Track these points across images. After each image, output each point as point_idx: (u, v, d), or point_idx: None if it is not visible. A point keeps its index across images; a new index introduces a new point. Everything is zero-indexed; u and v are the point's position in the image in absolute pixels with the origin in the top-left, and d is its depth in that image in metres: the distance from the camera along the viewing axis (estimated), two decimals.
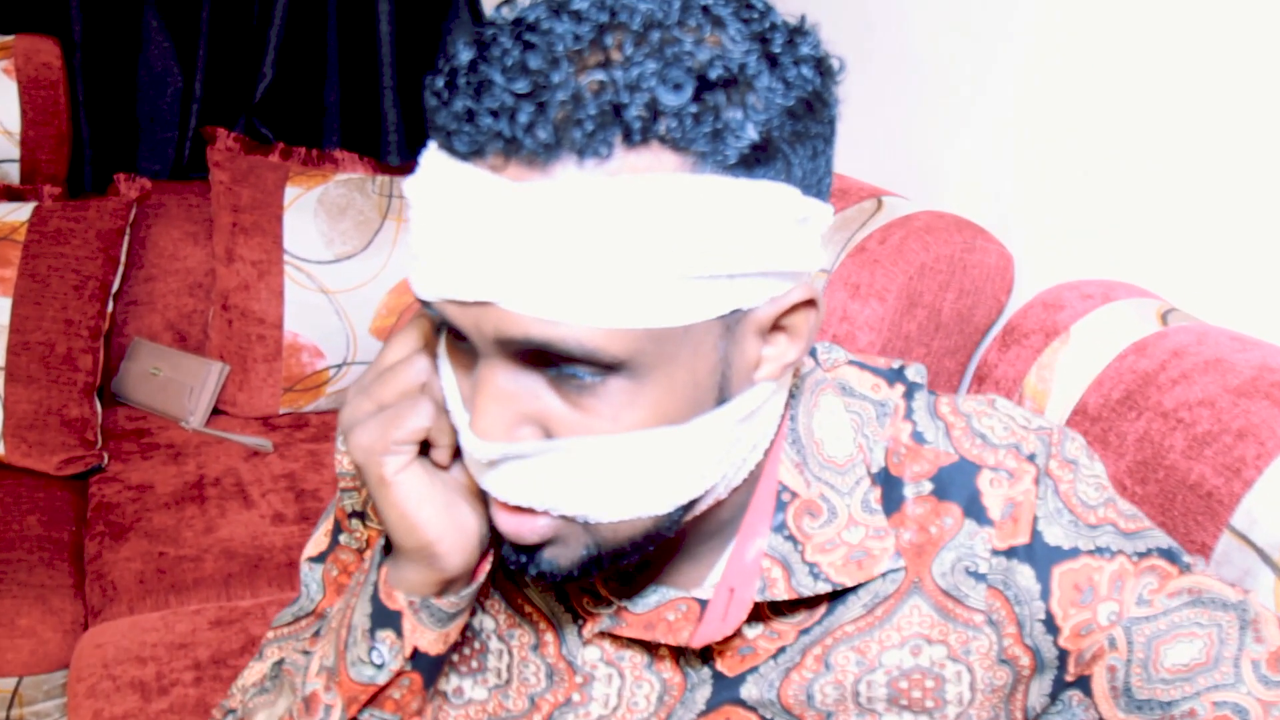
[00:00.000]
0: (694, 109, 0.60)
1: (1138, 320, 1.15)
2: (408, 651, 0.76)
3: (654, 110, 0.60)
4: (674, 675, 0.82)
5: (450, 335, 0.70)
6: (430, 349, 0.73)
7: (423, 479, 0.72)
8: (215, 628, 1.73)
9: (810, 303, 0.70)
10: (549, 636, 0.84)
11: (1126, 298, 1.19)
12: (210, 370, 2.28)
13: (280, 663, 0.90)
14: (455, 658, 0.87)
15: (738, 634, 0.80)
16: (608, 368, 0.64)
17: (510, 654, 0.86)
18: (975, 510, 0.77)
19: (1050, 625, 0.76)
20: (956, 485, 0.78)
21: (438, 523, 0.72)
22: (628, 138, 0.60)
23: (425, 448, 0.73)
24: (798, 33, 0.66)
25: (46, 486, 2.08)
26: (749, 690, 0.80)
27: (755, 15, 0.65)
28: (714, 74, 0.61)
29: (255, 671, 0.94)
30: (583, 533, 0.70)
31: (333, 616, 0.81)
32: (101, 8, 2.38)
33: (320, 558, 0.95)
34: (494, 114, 0.60)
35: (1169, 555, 0.77)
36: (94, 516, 2.00)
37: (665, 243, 0.61)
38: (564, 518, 0.69)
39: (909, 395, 0.82)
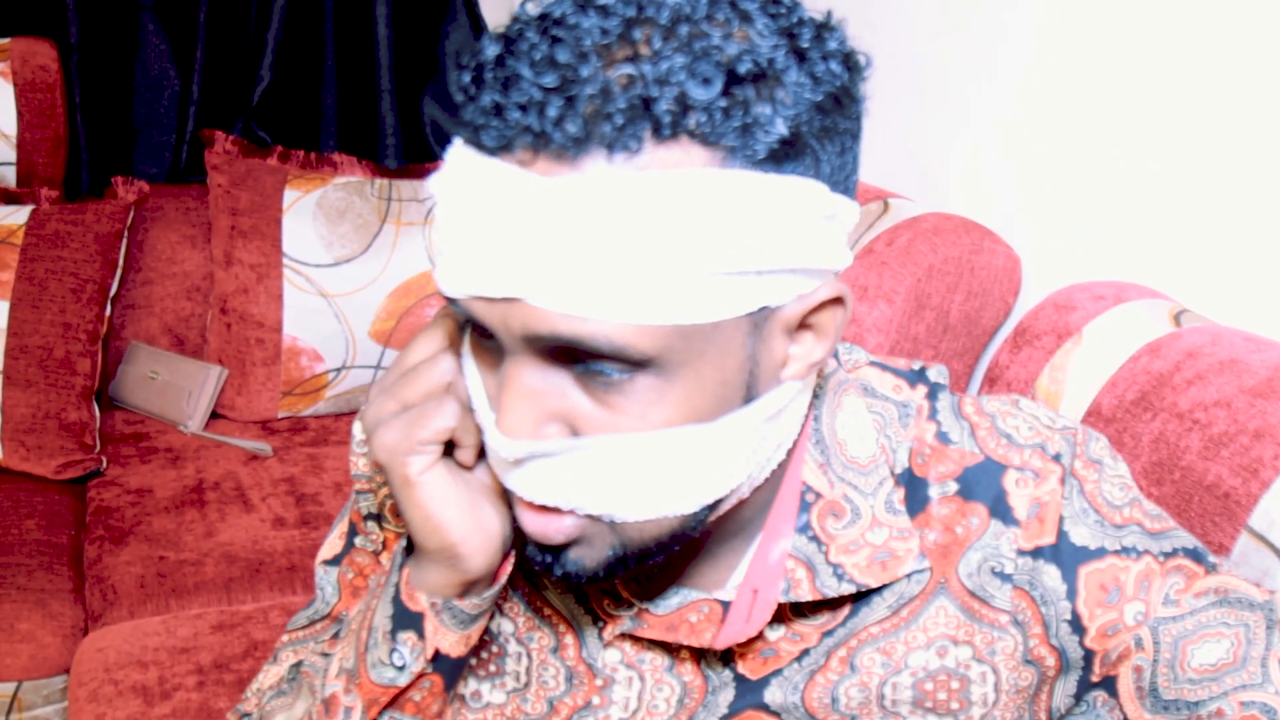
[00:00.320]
0: (723, 103, 0.60)
1: (1151, 321, 1.15)
2: (429, 653, 0.75)
3: (683, 104, 0.59)
4: (695, 678, 0.82)
5: (476, 333, 0.69)
6: (455, 348, 0.72)
7: (447, 479, 0.71)
8: (217, 632, 1.71)
9: (838, 300, 0.69)
10: (569, 639, 0.84)
11: (1138, 299, 1.19)
12: (209, 374, 2.27)
13: (298, 665, 0.90)
14: (473, 661, 0.86)
15: (760, 636, 0.80)
16: (636, 365, 0.63)
17: (529, 657, 0.85)
18: (1001, 510, 0.76)
19: (1076, 625, 0.75)
20: (982, 485, 0.77)
21: (461, 524, 0.72)
22: (657, 132, 0.59)
23: (449, 448, 0.72)
24: (825, 28, 0.66)
25: (45, 490, 2.07)
26: (773, 694, 0.80)
27: (783, 11, 0.65)
28: (743, 69, 0.61)
29: (271, 674, 0.93)
30: (609, 532, 0.69)
31: (352, 618, 0.81)
32: (98, 11, 2.37)
33: (335, 560, 0.94)
34: (522, 108, 0.60)
35: (1195, 555, 0.77)
36: (93, 521, 1.99)
37: (695, 238, 0.60)
38: (590, 517, 0.68)
39: (932, 396, 0.81)
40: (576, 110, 0.59)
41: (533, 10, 0.65)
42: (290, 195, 2.31)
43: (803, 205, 0.64)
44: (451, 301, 0.66)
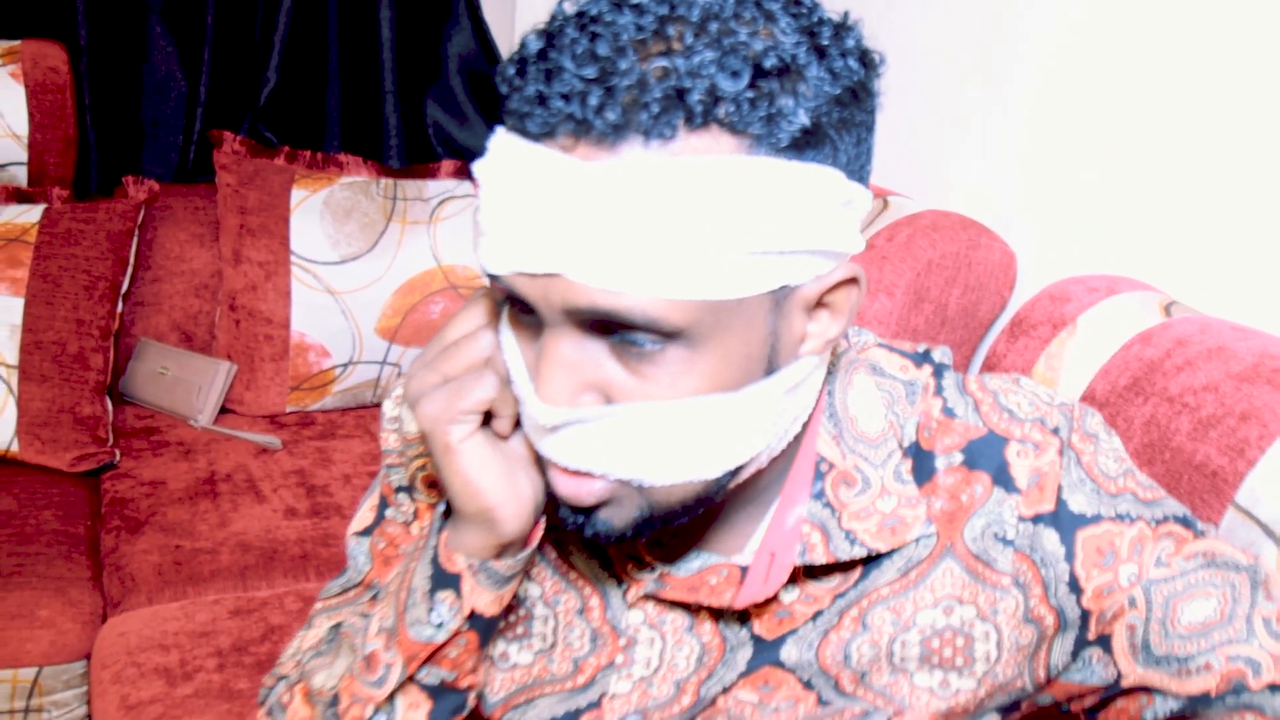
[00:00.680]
0: (750, 95, 0.65)
1: (1142, 312, 1.20)
2: (466, 611, 0.80)
3: (714, 95, 0.64)
4: (714, 638, 0.86)
5: (516, 308, 0.74)
6: (492, 325, 0.77)
7: (485, 447, 0.76)
8: (235, 617, 1.76)
9: (852, 281, 0.74)
10: (594, 601, 0.88)
11: (1130, 291, 1.25)
12: (218, 369, 2.31)
13: (337, 626, 0.94)
14: (501, 624, 0.91)
15: (775, 599, 0.84)
16: (667, 336, 0.68)
17: (555, 619, 0.90)
18: (1004, 479, 0.82)
19: (1074, 586, 0.80)
20: (985, 456, 0.82)
21: (498, 488, 0.76)
22: (689, 120, 0.64)
23: (487, 419, 0.77)
24: (843, 28, 0.71)
25: (60, 483, 2.11)
26: (788, 652, 0.85)
27: (804, 10, 0.70)
28: (768, 63, 0.66)
29: (310, 637, 0.97)
30: (637, 495, 0.74)
31: (391, 580, 0.85)
32: (107, 13, 2.41)
33: (366, 532, 0.99)
34: (565, 97, 0.65)
35: (1185, 522, 0.82)
36: (109, 511, 2.03)
37: (723, 219, 0.65)
38: (619, 481, 0.73)
39: (938, 374, 0.86)
40: (615, 100, 0.64)
41: (570, 9, 0.70)
42: (297, 194, 2.35)
43: (822, 191, 0.69)
44: (494, 278, 0.71)
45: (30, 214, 2.19)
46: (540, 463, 0.78)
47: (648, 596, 0.86)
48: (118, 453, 2.19)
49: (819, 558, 0.82)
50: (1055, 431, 0.82)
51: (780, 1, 0.69)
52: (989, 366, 1.29)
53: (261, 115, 2.51)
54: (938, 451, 0.83)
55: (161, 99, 2.53)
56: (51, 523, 1.99)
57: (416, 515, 0.96)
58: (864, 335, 0.90)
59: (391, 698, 0.83)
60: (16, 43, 2.32)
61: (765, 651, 0.85)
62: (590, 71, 0.65)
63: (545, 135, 0.66)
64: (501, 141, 0.70)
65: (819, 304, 0.75)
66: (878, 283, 1.46)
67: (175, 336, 2.43)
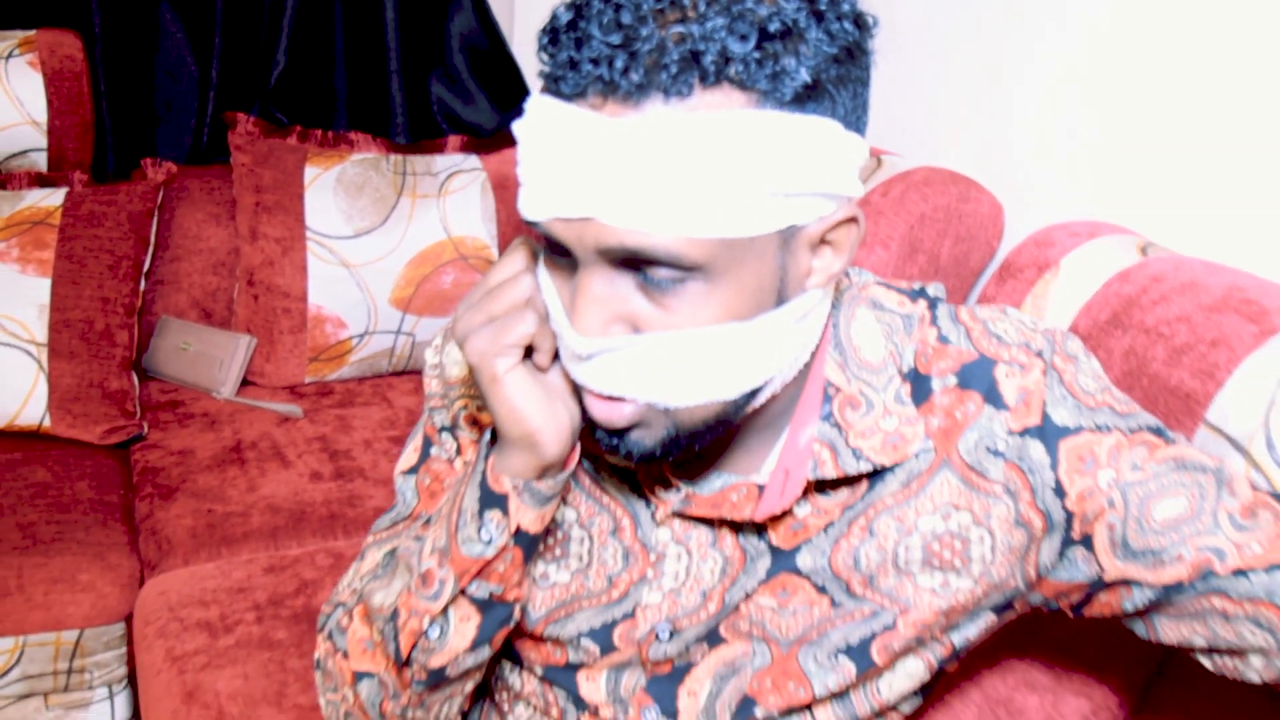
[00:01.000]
0: (757, 55, 0.74)
1: (1120, 253, 1.29)
2: (512, 528, 0.89)
3: (725, 56, 0.73)
4: (735, 551, 0.95)
5: (552, 252, 0.83)
6: (531, 269, 0.86)
7: (526, 378, 0.85)
8: (269, 574, 1.85)
9: (852, 220, 0.83)
10: (625, 522, 0.97)
11: (1110, 234, 1.33)
12: (239, 343, 2.40)
13: (393, 551, 1.03)
14: (541, 547, 0.99)
15: (789, 513, 0.93)
16: (688, 270, 0.77)
17: (591, 539, 0.99)
18: (994, 397, 0.90)
19: (1059, 491, 0.89)
20: (977, 377, 0.91)
21: (539, 415, 0.85)
22: (704, 79, 0.73)
23: (528, 353, 0.86)
24: None
25: (92, 455, 2.19)
26: (803, 559, 0.94)
27: None
28: (772, 27, 0.74)
29: (367, 562, 1.06)
30: (664, 417, 0.83)
31: (442, 504, 0.94)
32: (119, 2, 2.48)
33: (413, 470, 1.08)
34: (594, 62, 0.74)
35: (1156, 431, 0.91)
36: (141, 480, 2.12)
37: (735, 166, 0.74)
38: (648, 404, 0.82)
39: (933, 307, 0.95)
40: (638, 62, 0.73)
41: None
42: (311, 172, 2.43)
43: (822, 140, 0.77)
44: (532, 224, 0.80)
45: (53, 197, 2.27)
46: (576, 392, 0.86)
47: (675, 514, 0.95)
48: (145, 425, 2.27)
49: (829, 472, 0.90)
50: (1039, 354, 0.91)
51: None
52: None
53: (272, 97, 2.59)
54: (934, 375, 0.92)
55: (174, 84, 2.61)
56: (87, 492, 2.08)
57: (459, 451, 1.05)
58: (864, 275, 0.99)
59: (445, 611, 0.92)
60: (32, 32, 2.39)
61: (782, 560, 0.94)
62: (615, 38, 0.73)
63: (577, 95, 0.75)
64: (537, 103, 0.78)
65: (822, 241, 0.83)
66: (874, 236, 1.55)
67: (195, 313, 2.51)
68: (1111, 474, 0.89)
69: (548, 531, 0.99)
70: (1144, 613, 0.92)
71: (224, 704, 1.57)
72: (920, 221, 1.55)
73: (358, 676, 0.99)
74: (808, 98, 0.76)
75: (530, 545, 0.91)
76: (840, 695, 0.98)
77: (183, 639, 1.70)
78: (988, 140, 1.68)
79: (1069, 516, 0.90)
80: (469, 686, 0.98)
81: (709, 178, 0.74)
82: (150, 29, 2.55)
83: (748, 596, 0.95)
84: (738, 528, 0.95)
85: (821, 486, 0.93)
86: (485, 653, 0.94)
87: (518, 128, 0.80)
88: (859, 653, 0.95)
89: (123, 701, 2.03)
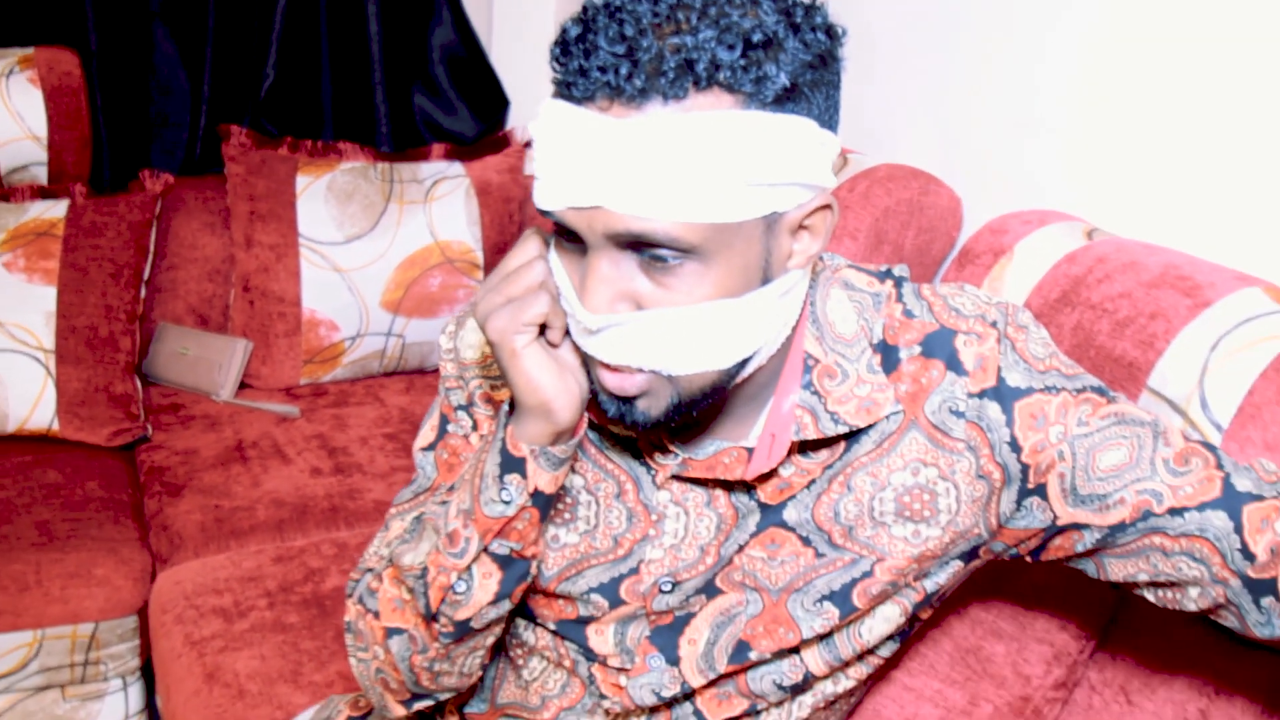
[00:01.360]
0: (743, 62, 0.85)
1: (1068, 238, 1.40)
2: (530, 489, 0.99)
3: (715, 64, 0.84)
4: (728, 510, 1.06)
5: (563, 238, 0.93)
6: (544, 256, 0.96)
7: (541, 353, 0.95)
8: (278, 563, 1.94)
9: (827, 207, 0.94)
10: (629, 486, 1.08)
11: (1058, 221, 1.45)
12: (236, 347, 2.49)
13: (419, 517, 1.13)
14: (552, 510, 1.10)
15: (775, 473, 1.04)
16: (685, 252, 0.88)
17: (597, 503, 1.09)
18: (954, 364, 1.02)
19: (1014, 446, 1.00)
20: (939, 346, 1.02)
21: (553, 385, 0.95)
22: (697, 84, 0.84)
23: (542, 331, 0.96)
24: (812, 8, 0.90)
25: (99, 457, 2.28)
26: (789, 513, 1.05)
27: None
28: (755, 37, 0.85)
29: (394, 531, 1.16)
30: (668, 385, 0.94)
31: (464, 472, 1.04)
32: (114, 20, 2.57)
33: (430, 446, 1.18)
34: (601, 69, 0.84)
35: (1099, 390, 1.02)
36: (148, 479, 2.21)
37: (725, 160, 0.85)
38: (653, 373, 0.93)
39: (898, 285, 1.06)
40: (640, 70, 0.84)
41: (598, 0, 0.89)
42: (302, 181, 2.53)
43: (800, 136, 0.88)
44: (546, 213, 0.90)
45: (56, 209, 2.36)
46: (584, 366, 0.97)
47: (674, 477, 1.06)
48: (149, 427, 2.36)
49: (810, 435, 1.01)
50: (993, 325, 1.02)
51: None
52: None
53: (262, 109, 2.68)
54: (901, 345, 1.03)
55: (167, 98, 2.70)
56: (97, 492, 2.17)
57: (475, 427, 1.15)
58: (836, 259, 1.10)
59: (470, 567, 1.02)
60: (31, 50, 2.48)
61: (770, 515, 1.05)
62: (620, 49, 0.84)
63: (586, 99, 0.86)
64: (550, 107, 0.89)
65: (801, 226, 0.94)
66: (842, 228, 1.66)
67: (191, 319, 2.60)
68: (1060, 429, 1.00)
69: (560, 495, 1.09)
70: (1093, 552, 1.04)
71: (243, 683, 1.66)
72: (885, 214, 1.66)
73: (389, 633, 1.08)
74: (787, 99, 0.87)
75: (546, 505, 1.01)
76: (825, 638, 1.08)
77: (200, 625, 1.79)
78: (946, 138, 1.80)
79: (1024, 469, 1.01)
80: (489, 640, 1.09)
81: (702, 170, 0.85)
82: (144, 46, 2.64)
83: (740, 549, 1.06)
84: (729, 487, 1.06)
85: (803, 448, 1.04)
86: (505, 606, 1.04)
87: (533, 128, 0.91)
88: (841, 598, 1.06)
89: (136, 692, 2.12)
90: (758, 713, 1.13)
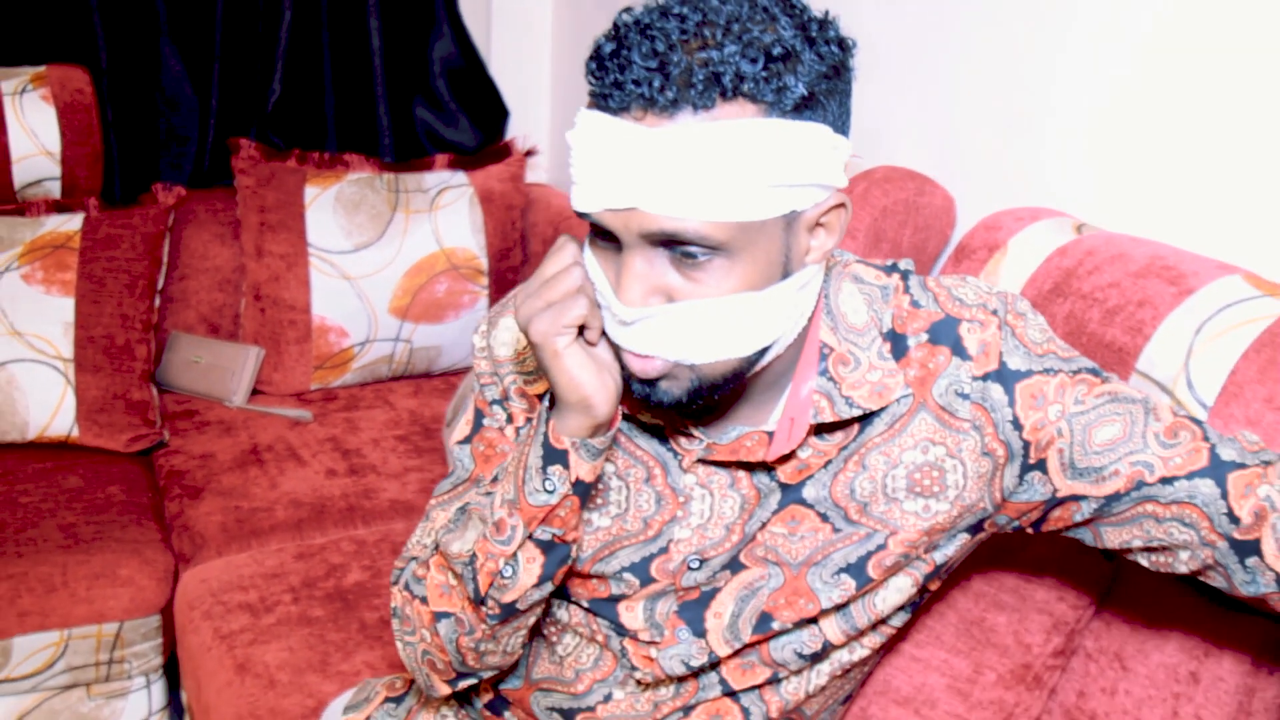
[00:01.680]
0: (764, 74, 0.92)
1: (1059, 233, 1.49)
2: (573, 478, 1.06)
3: (739, 76, 0.92)
4: (750, 491, 1.14)
5: (599, 238, 1.01)
6: (580, 262, 1.03)
7: (581, 353, 1.02)
8: (299, 560, 2.01)
9: (841, 205, 1.02)
10: (656, 471, 1.15)
11: (1049, 218, 1.53)
12: (248, 355, 2.56)
13: (463, 507, 1.19)
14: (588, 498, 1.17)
15: (794, 455, 1.12)
16: (713, 249, 0.95)
17: (627, 488, 1.16)
18: (959, 350, 1.09)
19: (1016, 424, 1.08)
20: (945, 334, 1.10)
21: (592, 382, 1.02)
22: (724, 95, 0.92)
23: (579, 332, 1.03)
24: (825, 22, 0.98)
25: (119, 462, 2.35)
26: (808, 491, 1.12)
27: (796, 11, 0.97)
28: (775, 51, 0.93)
29: (439, 521, 1.22)
30: (689, 371, 1.01)
31: (507, 464, 1.11)
32: (124, 38, 2.64)
33: (466, 440, 1.25)
34: (636, 83, 0.92)
35: (1093, 371, 1.10)
36: (168, 483, 2.28)
37: (749, 164, 0.93)
38: (676, 361, 1.00)
39: (905, 278, 1.14)
40: (672, 82, 0.91)
41: (629, 19, 0.96)
42: (310, 192, 2.60)
43: (817, 141, 0.96)
44: (584, 215, 0.98)
45: (72, 222, 2.42)
46: (617, 362, 1.04)
47: (700, 461, 1.13)
48: (166, 433, 2.43)
49: (827, 418, 1.09)
50: (994, 312, 1.10)
51: (780, 6, 0.97)
52: None
53: (269, 122, 2.75)
54: (909, 334, 1.11)
55: (175, 113, 2.77)
56: (119, 495, 2.23)
57: (510, 419, 1.22)
58: (845, 255, 1.18)
59: (515, 554, 1.09)
60: (43, 68, 2.55)
61: (790, 493, 1.13)
62: (653, 63, 0.92)
63: (622, 110, 0.93)
64: (586, 117, 0.97)
65: (817, 224, 1.02)
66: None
67: (203, 328, 2.67)
68: (1059, 408, 1.08)
69: (596, 483, 1.16)
70: (1090, 521, 1.11)
71: (274, 673, 1.73)
72: (883, 214, 1.74)
73: (437, 617, 1.15)
74: (805, 107, 0.95)
75: (585, 493, 1.08)
76: (842, 608, 1.16)
77: (227, 620, 1.86)
78: (939, 141, 1.88)
79: (1026, 445, 1.09)
80: (531, 620, 1.16)
81: (729, 173, 0.92)
82: (152, 63, 2.71)
83: (763, 526, 1.14)
84: (750, 469, 1.13)
85: (819, 430, 1.11)
86: (547, 588, 1.11)
87: (570, 136, 0.98)
88: (857, 570, 1.13)
89: (159, 690, 2.19)
90: (779, 680, 1.20)
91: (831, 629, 1.17)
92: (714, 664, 1.18)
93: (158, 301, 2.50)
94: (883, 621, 1.21)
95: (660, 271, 0.98)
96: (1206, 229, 1.47)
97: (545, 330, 1.01)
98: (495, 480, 1.18)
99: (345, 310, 2.59)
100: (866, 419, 1.11)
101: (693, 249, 0.95)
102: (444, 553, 1.15)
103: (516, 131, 3.05)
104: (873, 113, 2.02)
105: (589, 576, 1.18)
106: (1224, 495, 1.04)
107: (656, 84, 0.91)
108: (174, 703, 2.28)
